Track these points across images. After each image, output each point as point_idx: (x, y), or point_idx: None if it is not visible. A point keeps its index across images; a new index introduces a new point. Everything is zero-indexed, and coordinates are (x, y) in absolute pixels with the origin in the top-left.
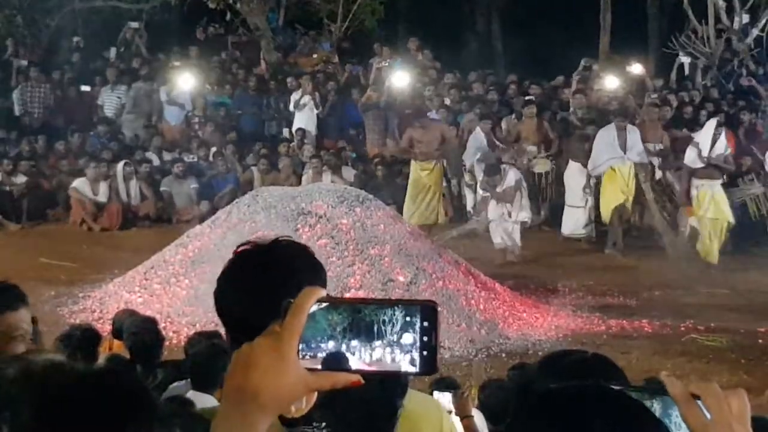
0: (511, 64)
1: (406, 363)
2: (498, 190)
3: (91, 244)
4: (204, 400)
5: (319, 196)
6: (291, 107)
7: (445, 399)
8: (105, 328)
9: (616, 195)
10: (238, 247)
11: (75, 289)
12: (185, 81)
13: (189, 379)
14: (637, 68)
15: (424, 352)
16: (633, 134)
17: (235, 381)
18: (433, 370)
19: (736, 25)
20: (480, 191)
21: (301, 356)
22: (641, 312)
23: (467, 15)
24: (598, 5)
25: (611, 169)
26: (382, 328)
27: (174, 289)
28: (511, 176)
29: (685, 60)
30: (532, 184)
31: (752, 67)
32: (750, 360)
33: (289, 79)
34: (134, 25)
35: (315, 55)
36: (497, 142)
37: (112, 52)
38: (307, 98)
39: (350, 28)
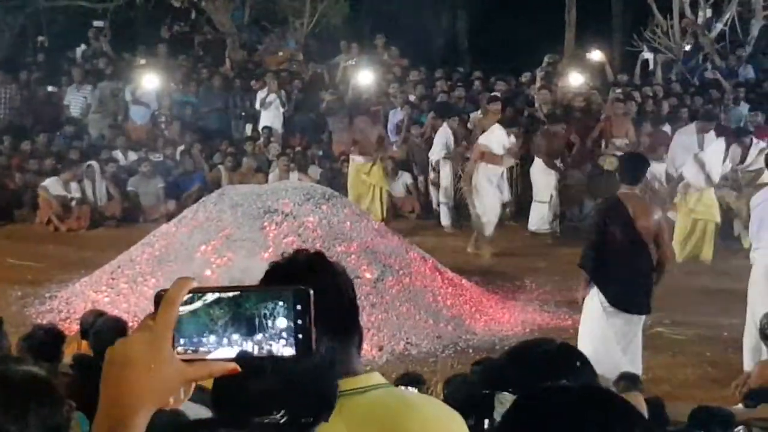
0: (477, 60)
1: (282, 347)
2: None
3: (58, 244)
4: None
5: (285, 194)
6: (257, 106)
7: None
8: (72, 327)
9: None
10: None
11: (41, 289)
12: (150, 80)
13: None
14: (596, 55)
15: (299, 335)
16: (710, 137)
17: (112, 378)
18: (309, 353)
19: (700, 20)
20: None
21: (183, 350)
22: None
23: (433, 11)
24: (563, 1)
25: None
26: (264, 321)
27: (141, 288)
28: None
29: (649, 56)
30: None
31: (717, 61)
32: (714, 353)
33: (252, 83)
34: (99, 24)
35: (280, 54)
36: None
37: (78, 51)
38: (273, 96)
39: (317, 26)
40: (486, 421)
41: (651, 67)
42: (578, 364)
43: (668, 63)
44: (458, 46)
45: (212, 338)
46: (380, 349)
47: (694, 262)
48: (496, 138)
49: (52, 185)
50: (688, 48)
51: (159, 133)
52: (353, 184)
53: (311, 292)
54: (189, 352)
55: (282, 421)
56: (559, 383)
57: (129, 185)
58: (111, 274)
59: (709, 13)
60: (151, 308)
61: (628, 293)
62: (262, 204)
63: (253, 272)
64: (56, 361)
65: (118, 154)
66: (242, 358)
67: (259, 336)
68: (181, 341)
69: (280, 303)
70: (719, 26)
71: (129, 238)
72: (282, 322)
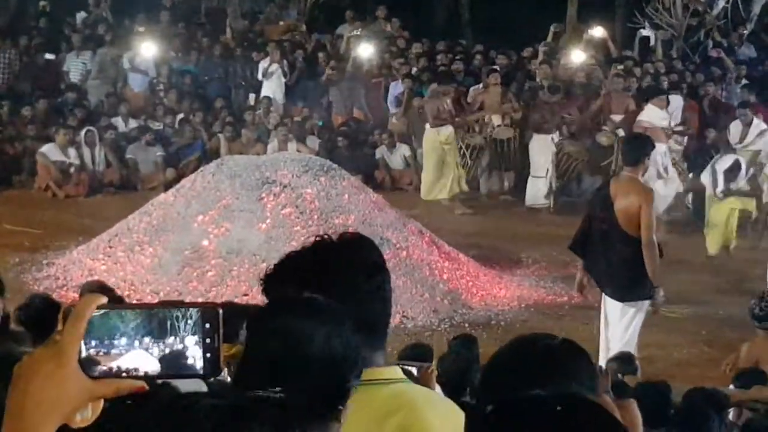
0: (479, 33)
1: (191, 365)
2: None
3: (56, 210)
4: None
5: (283, 165)
6: (260, 76)
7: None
8: (69, 295)
9: None
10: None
11: (39, 255)
12: (148, 48)
13: None
14: (598, 31)
15: (208, 354)
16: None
17: (17, 393)
18: (216, 372)
19: None
20: None
21: (95, 352)
22: None
23: None
24: None
25: None
26: (176, 324)
27: (138, 257)
28: None
29: (649, 33)
30: (495, 151)
31: (719, 39)
32: (710, 331)
33: (254, 54)
34: None
35: (281, 23)
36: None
37: (79, 17)
38: (275, 66)
39: None
40: None
41: (652, 43)
42: (580, 361)
43: (668, 40)
44: (460, 18)
45: (124, 340)
46: None
47: (685, 240)
48: (655, 113)
49: (50, 151)
50: (693, 23)
51: (157, 102)
52: (433, 150)
53: (220, 312)
54: (101, 353)
55: (279, 396)
56: (532, 393)
57: (128, 153)
58: (108, 242)
59: None
60: (148, 277)
61: (605, 278)
62: (260, 175)
63: (250, 243)
64: (51, 331)
65: (118, 121)
66: (150, 378)
67: (170, 340)
68: (93, 343)
69: (190, 320)
70: (721, 3)
71: (127, 205)
72: (191, 340)
